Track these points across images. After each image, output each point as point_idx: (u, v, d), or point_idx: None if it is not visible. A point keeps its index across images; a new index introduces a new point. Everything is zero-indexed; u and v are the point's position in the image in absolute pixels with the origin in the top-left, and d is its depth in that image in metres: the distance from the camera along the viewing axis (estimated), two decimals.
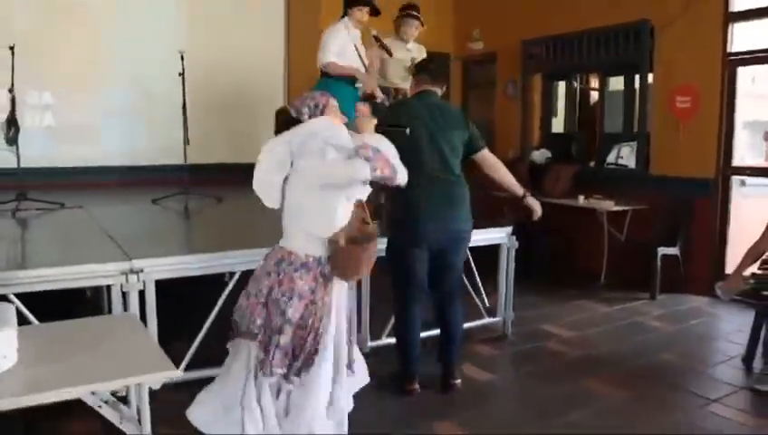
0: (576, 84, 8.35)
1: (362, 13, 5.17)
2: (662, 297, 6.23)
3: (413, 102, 3.91)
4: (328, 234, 2.71)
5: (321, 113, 2.80)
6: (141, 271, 3.53)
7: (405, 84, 5.34)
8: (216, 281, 4.14)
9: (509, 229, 5.00)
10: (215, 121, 7.80)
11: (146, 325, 3.38)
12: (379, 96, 5.23)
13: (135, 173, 7.61)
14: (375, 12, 5.24)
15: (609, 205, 6.69)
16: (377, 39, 5.22)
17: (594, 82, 8.47)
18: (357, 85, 5.17)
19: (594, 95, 8.44)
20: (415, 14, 5.34)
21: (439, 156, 3.72)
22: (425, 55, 5.45)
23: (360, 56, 5.25)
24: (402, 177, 2.81)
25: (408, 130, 3.21)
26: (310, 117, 2.79)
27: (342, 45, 5.14)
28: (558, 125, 8.68)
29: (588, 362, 4.56)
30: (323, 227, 2.72)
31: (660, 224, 6.55)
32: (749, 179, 6.69)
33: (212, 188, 6.57)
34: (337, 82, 4.98)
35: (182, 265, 3.75)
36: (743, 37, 6.29)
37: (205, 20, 8.09)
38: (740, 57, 6.26)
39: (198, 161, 6.81)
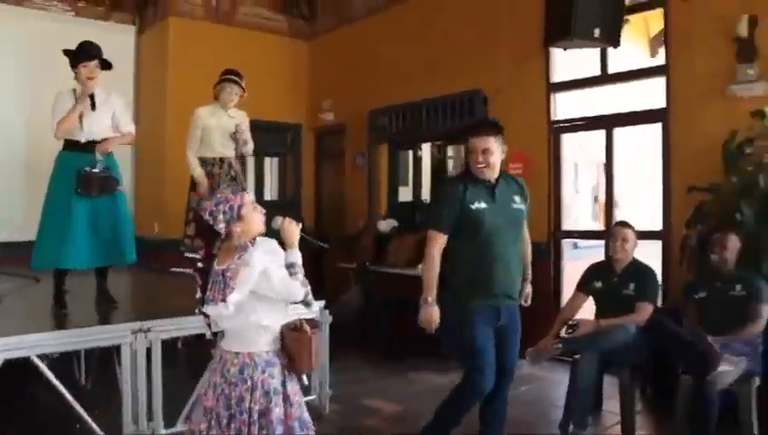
0: (420, 153, 8.40)
1: (88, 69, 4.52)
2: None
3: None
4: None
5: (238, 217, 2.68)
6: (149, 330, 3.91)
7: (228, 152, 5.08)
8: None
9: (321, 303, 4.74)
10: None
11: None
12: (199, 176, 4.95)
13: None
14: (105, 65, 4.67)
15: None
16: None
17: (450, 151, 8.58)
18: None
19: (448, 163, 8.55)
20: (235, 78, 5.11)
21: None
22: (247, 122, 5.23)
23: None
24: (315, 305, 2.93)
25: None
26: (227, 224, 2.68)
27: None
28: (408, 194, 8.68)
29: None
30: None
31: None
32: (581, 242, 6.84)
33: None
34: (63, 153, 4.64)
35: None
36: (566, 106, 6.52)
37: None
38: (563, 124, 6.46)
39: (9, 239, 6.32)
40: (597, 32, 5.45)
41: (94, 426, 3.88)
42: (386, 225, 7.92)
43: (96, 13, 8.83)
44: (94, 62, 4.56)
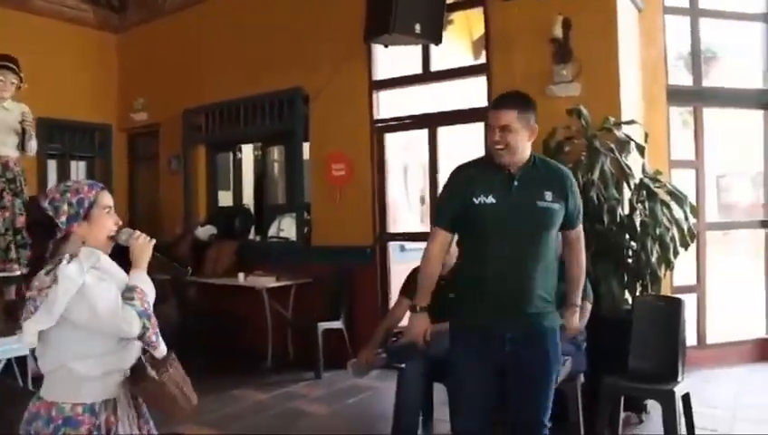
0: (240, 155, 7.93)
1: None
2: (328, 375, 5.83)
3: None
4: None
5: (85, 216, 2.13)
6: None
7: (4, 150, 4.37)
8: None
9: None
10: None
11: None
12: None
13: None
14: None
15: (270, 281, 6.23)
16: None
17: (275, 153, 8.17)
18: None
19: (274, 165, 8.14)
20: (7, 64, 4.41)
21: None
22: (30, 116, 4.53)
23: None
24: (162, 348, 2.15)
25: None
26: (68, 220, 2.10)
27: None
28: (228, 199, 8.17)
29: None
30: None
31: (323, 297, 6.23)
32: (408, 244, 6.69)
33: None
34: None
35: None
36: (389, 105, 6.35)
37: None
38: (387, 124, 6.28)
39: None
40: (418, 27, 5.29)
41: None
42: (204, 232, 7.39)
43: None
44: None
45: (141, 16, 8.60)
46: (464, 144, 6.11)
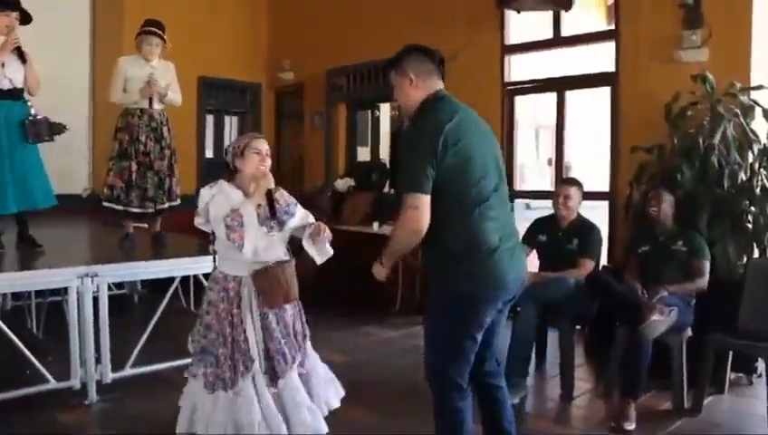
0: (378, 113, 8.44)
1: (10, 19, 4.52)
2: None
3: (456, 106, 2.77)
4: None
5: (242, 154, 3.02)
6: (96, 275, 4.00)
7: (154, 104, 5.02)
8: None
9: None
10: None
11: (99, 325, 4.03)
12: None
13: None
14: (25, 18, 4.67)
15: None
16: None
17: None
18: (27, 99, 4.67)
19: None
20: (154, 30, 5.04)
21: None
22: (173, 72, 5.17)
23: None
24: (246, 252, 2.93)
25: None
26: (233, 159, 3.05)
27: None
28: (366, 154, 8.73)
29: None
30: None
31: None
32: (533, 202, 6.98)
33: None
34: None
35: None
36: (520, 68, 6.61)
37: None
38: (517, 87, 6.55)
39: None
40: None
41: (43, 370, 3.94)
42: (343, 184, 7.98)
43: None
44: (15, 13, 4.57)
45: None
46: (592, 108, 6.28)
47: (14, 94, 4.56)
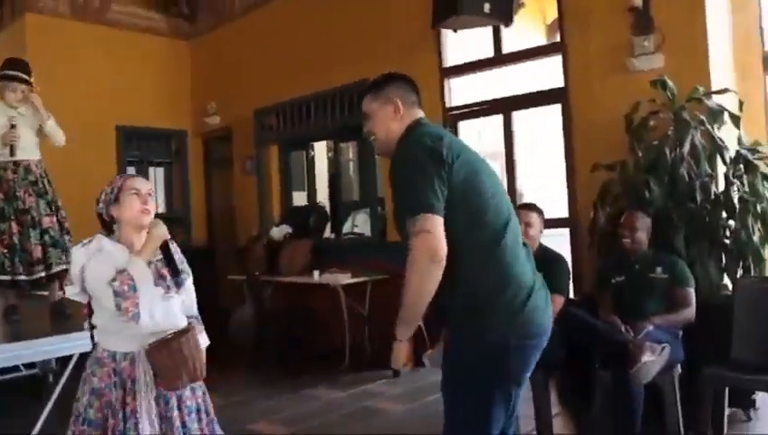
0: (312, 153, 7.86)
1: None
2: (407, 373, 5.62)
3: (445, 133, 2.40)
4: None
5: (116, 199, 2.46)
6: None
7: (24, 154, 4.27)
8: None
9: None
10: None
11: None
12: None
13: None
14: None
15: (345, 277, 6.10)
16: None
17: (348, 149, 8.07)
18: None
19: (348, 162, 8.06)
20: (11, 74, 4.26)
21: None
22: (41, 107, 4.30)
23: None
24: (143, 323, 2.36)
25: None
26: (105, 205, 2.49)
27: None
28: (304, 198, 8.12)
29: None
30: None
31: (400, 292, 6.02)
32: None
33: None
34: None
35: None
36: (461, 91, 6.14)
37: None
38: (460, 111, 6.06)
39: None
40: (487, 7, 5.07)
41: None
42: (278, 232, 7.33)
43: None
44: None
45: (211, 23, 8.72)
46: (539, 128, 5.83)
47: None
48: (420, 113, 2.43)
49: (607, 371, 3.64)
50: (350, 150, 7.48)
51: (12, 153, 4.18)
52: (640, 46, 4.81)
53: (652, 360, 3.33)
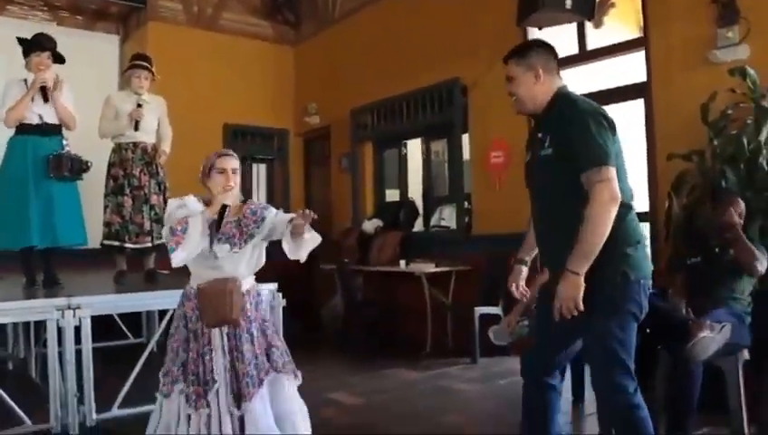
0: (405, 150, 8.11)
1: (40, 59, 4.55)
2: (485, 361, 5.78)
3: None
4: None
5: (208, 174, 2.92)
6: (78, 307, 3.68)
7: (141, 136, 4.92)
8: None
9: (273, 286, 4.38)
10: None
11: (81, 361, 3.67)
12: None
13: None
14: (57, 58, 4.68)
15: (429, 267, 6.33)
16: None
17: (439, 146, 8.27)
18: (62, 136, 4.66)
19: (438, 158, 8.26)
20: (140, 63, 5.01)
21: None
22: (164, 109, 5.12)
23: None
24: (175, 260, 2.79)
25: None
26: (202, 176, 2.95)
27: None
28: (396, 194, 8.38)
29: (354, 428, 4.11)
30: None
31: (482, 284, 6.19)
32: None
33: None
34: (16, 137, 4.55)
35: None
36: None
37: None
38: None
39: None
40: (569, 2, 5.16)
41: (19, 411, 3.66)
42: (370, 225, 7.64)
43: (78, 22, 8.72)
44: (46, 54, 4.59)
45: (312, 29, 9.19)
46: (624, 122, 5.81)
47: (44, 130, 4.54)
48: (562, 81, 2.77)
49: (667, 351, 3.68)
50: (441, 147, 7.65)
51: (136, 128, 4.81)
52: (724, 38, 4.77)
53: (711, 336, 3.34)
